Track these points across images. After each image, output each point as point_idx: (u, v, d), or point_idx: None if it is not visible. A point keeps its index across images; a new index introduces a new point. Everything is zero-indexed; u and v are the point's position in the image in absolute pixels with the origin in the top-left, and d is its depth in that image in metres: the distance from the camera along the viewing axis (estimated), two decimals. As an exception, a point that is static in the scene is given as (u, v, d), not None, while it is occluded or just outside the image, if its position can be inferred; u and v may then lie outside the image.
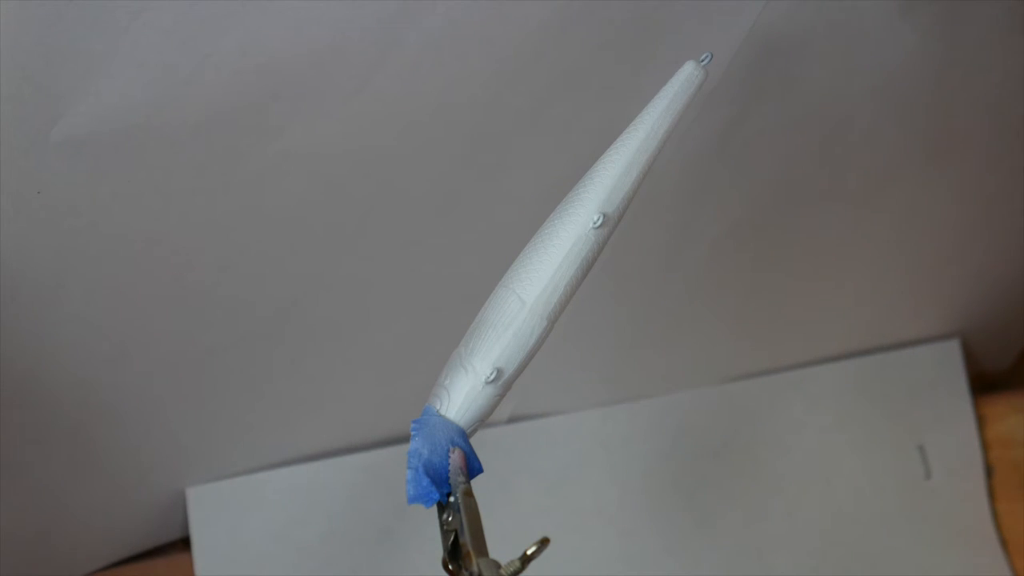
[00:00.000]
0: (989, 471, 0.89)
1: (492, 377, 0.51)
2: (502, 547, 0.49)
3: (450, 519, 0.49)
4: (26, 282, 0.60)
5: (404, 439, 0.76)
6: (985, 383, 0.92)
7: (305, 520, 0.75)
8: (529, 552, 0.49)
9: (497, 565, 0.47)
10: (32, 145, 0.54)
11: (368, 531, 0.76)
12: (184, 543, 0.75)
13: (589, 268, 0.53)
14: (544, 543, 0.49)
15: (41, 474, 0.68)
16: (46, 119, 0.54)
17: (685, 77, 0.54)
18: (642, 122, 0.54)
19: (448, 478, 0.49)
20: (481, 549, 0.47)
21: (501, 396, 0.51)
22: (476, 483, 0.50)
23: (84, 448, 0.68)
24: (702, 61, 0.55)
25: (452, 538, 0.48)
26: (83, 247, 0.60)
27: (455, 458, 0.50)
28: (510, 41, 0.59)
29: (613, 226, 0.53)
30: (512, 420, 0.80)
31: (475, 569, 0.47)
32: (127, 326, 0.64)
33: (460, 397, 0.51)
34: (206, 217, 0.61)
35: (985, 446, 0.89)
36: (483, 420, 0.51)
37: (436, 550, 0.49)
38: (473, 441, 0.51)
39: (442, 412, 0.51)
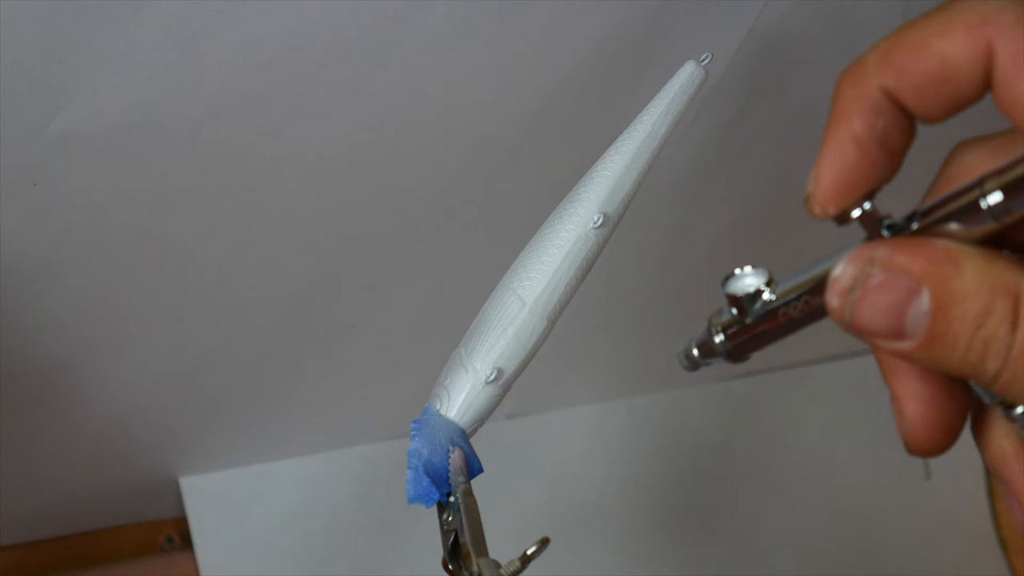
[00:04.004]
0: (989, 471, 0.89)
1: (492, 377, 0.51)
2: (502, 546, 0.49)
3: (450, 519, 0.49)
4: (21, 270, 0.60)
5: (406, 436, 0.76)
6: (985, 383, 0.92)
7: (307, 513, 0.76)
8: (529, 552, 0.48)
9: (497, 565, 0.47)
10: (29, 139, 0.54)
11: (371, 524, 0.76)
12: (184, 542, 0.75)
13: (589, 268, 0.53)
14: (544, 543, 0.49)
15: (27, 442, 0.68)
16: (44, 114, 0.54)
17: (685, 77, 0.54)
18: (642, 122, 0.54)
19: (448, 478, 0.49)
20: (481, 549, 0.47)
21: (501, 396, 0.51)
22: (476, 481, 0.50)
23: (73, 425, 0.68)
24: (702, 61, 0.55)
25: (452, 538, 0.48)
26: (80, 240, 0.60)
27: (455, 458, 0.49)
28: (510, 41, 0.59)
29: (613, 226, 0.53)
30: (512, 416, 0.80)
31: (475, 569, 0.47)
32: (125, 319, 0.64)
33: (460, 397, 0.51)
34: (205, 216, 0.61)
35: (985, 446, 0.89)
36: (483, 420, 0.51)
37: (438, 543, 0.49)
38: (473, 438, 0.51)
39: (442, 412, 0.51)
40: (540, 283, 0.52)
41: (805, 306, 0.40)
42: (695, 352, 0.45)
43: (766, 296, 0.41)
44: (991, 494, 0.89)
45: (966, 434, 0.93)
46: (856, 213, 0.38)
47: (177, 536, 0.76)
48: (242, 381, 0.71)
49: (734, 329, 0.43)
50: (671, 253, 0.76)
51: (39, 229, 0.58)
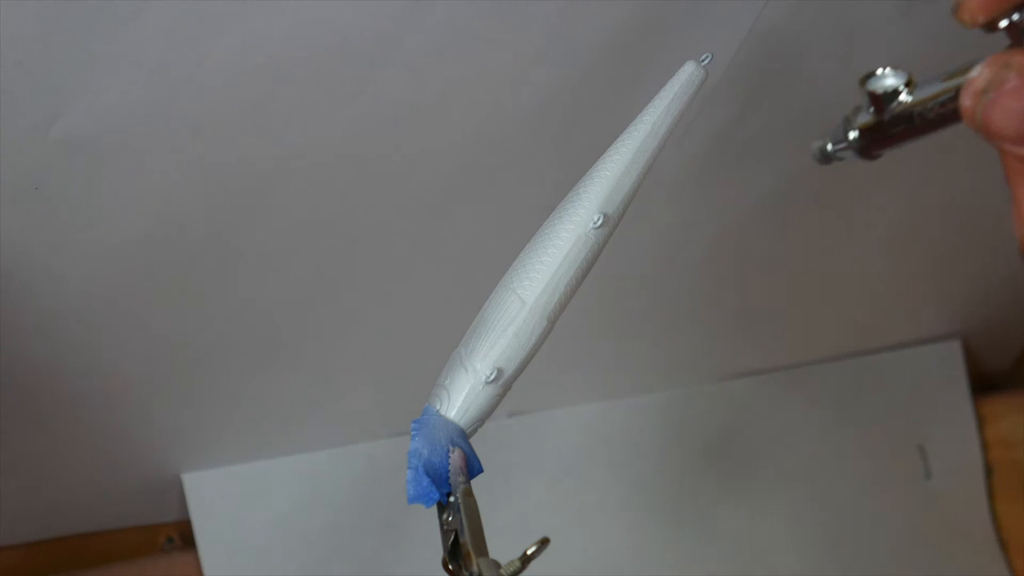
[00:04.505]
0: (989, 471, 0.89)
1: (492, 377, 0.51)
2: (502, 545, 0.49)
3: (450, 519, 0.49)
4: (23, 272, 0.60)
5: (407, 434, 0.76)
6: (985, 383, 0.92)
7: (309, 509, 0.76)
8: (529, 552, 0.48)
9: (497, 565, 0.47)
10: (30, 142, 0.54)
11: (372, 520, 0.76)
12: (184, 542, 0.75)
13: (589, 268, 0.53)
14: (544, 543, 0.49)
15: (29, 441, 0.68)
16: (45, 116, 0.54)
17: (686, 77, 0.54)
18: (642, 122, 0.54)
19: (448, 478, 0.49)
20: (481, 549, 0.47)
21: (501, 396, 0.51)
22: (476, 480, 0.50)
23: (76, 424, 0.68)
24: (702, 61, 0.55)
25: (452, 538, 0.48)
26: (82, 243, 0.60)
27: (455, 458, 0.49)
28: (510, 41, 0.59)
29: (613, 226, 0.53)
30: (513, 415, 0.80)
31: (475, 569, 0.47)
32: (127, 321, 0.65)
33: (460, 397, 0.51)
34: (207, 217, 0.61)
35: (985, 446, 0.89)
36: (483, 420, 0.51)
37: (439, 541, 0.49)
38: (473, 437, 0.51)
39: (442, 412, 0.51)
40: (540, 283, 0.52)
41: (940, 108, 0.42)
42: (829, 147, 0.47)
43: (903, 97, 0.42)
44: (991, 494, 0.89)
45: (966, 435, 0.93)
46: (1004, 23, 0.40)
47: (177, 536, 0.76)
48: (244, 378, 0.71)
49: (869, 127, 0.44)
50: (671, 253, 0.76)
51: (40, 231, 0.58)
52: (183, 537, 0.75)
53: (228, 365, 0.69)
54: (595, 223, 0.52)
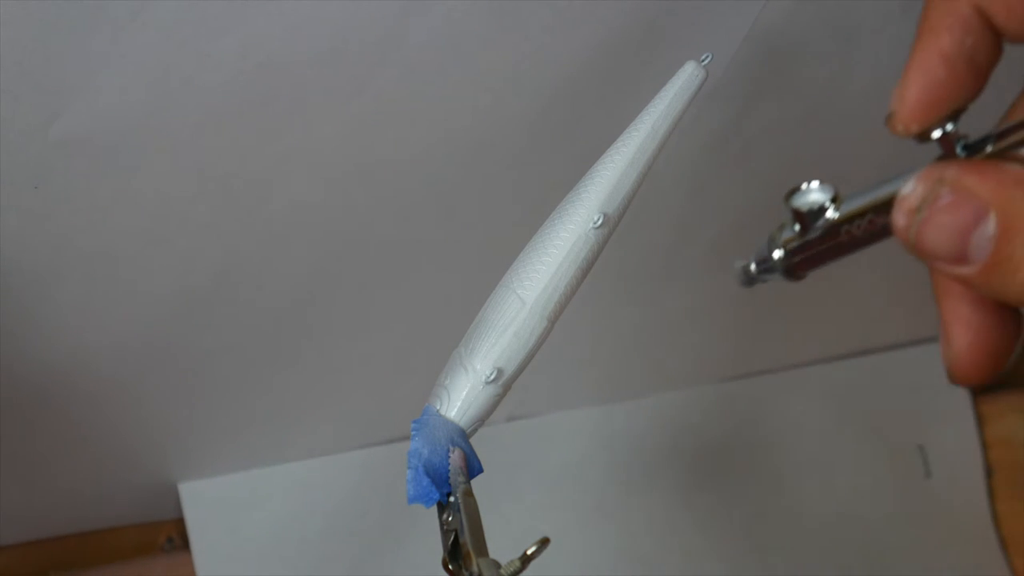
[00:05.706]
0: (989, 471, 0.89)
1: (492, 377, 0.51)
2: (502, 547, 0.49)
3: (450, 519, 0.49)
4: (21, 272, 0.60)
5: (404, 440, 0.76)
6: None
7: (306, 517, 0.75)
8: (529, 552, 0.48)
9: (497, 565, 0.47)
10: (30, 141, 0.54)
11: (369, 528, 0.76)
12: (185, 542, 0.75)
13: (589, 268, 0.53)
14: (544, 543, 0.49)
15: (27, 444, 0.68)
16: (44, 116, 0.54)
17: (686, 77, 0.54)
18: (642, 122, 0.54)
19: (448, 478, 0.49)
20: (481, 549, 0.47)
21: (501, 396, 0.51)
22: (477, 481, 0.50)
23: (72, 429, 0.68)
24: (702, 61, 0.55)
25: (452, 538, 0.49)
26: (81, 243, 0.60)
27: (455, 458, 0.50)
28: (510, 41, 0.59)
29: (613, 226, 0.53)
30: (512, 418, 0.80)
31: (475, 569, 0.47)
32: (125, 322, 0.65)
33: (460, 397, 0.51)
34: (206, 219, 0.61)
35: (985, 446, 0.89)
36: (483, 420, 0.51)
37: (437, 547, 0.49)
38: (473, 439, 0.51)
39: (442, 412, 0.51)
40: (540, 283, 0.52)
41: (869, 225, 0.40)
42: (752, 268, 0.44)
43: (830, 213, 0.40)
44: (991, 494, 0.89)
45: (966, 435, 0.93)
46: (937, 134, 0.38)
47: (177, 536, 0.76)
48: (242, 384, 0.71)
49: (795, 245, 0.42)
50: (671, 253, 0.76)
51: (40, 232, 0.58)
52: (184, 536, 0.75)
53: (227, 368, 0.69)
54: (595, 223, 0.52)
